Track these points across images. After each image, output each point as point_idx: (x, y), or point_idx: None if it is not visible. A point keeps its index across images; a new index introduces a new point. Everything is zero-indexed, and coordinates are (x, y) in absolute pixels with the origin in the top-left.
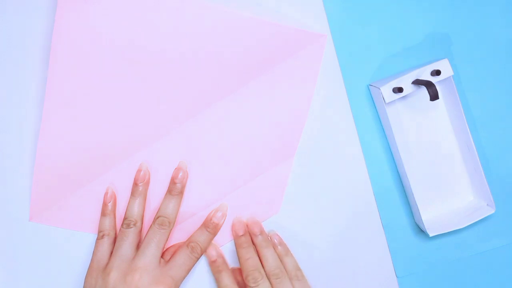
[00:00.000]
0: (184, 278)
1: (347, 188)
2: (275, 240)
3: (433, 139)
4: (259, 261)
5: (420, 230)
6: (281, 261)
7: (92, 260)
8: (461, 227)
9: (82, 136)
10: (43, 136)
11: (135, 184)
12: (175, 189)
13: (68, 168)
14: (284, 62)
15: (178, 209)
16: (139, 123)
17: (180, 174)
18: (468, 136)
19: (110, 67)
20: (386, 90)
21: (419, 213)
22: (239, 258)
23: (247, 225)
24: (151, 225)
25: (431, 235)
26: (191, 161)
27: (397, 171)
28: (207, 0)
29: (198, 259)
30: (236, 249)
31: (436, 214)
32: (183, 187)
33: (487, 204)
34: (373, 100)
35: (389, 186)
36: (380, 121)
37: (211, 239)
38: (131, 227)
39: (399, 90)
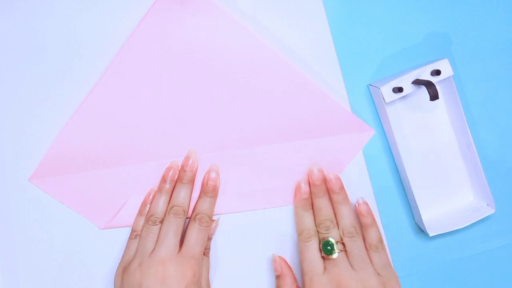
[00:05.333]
0: (202, 251)
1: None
2: (362, 210)
3: (433, 139)
4: (333, 212)
5: (420, 230)
6: (364, 232)
7: (121, 259)
8: (461, 227)
9: (116, 125)
10: (84, 107)
11: (163, 181)
12: (185, 177)
13: (89, 147)
14: (326, 137)
15: (190, 196)
16: (173, 136)
17: (190, 162)
18: (468, 136)
19: (168, 76)
20: (386, 90)
21: (419, 213)
22: (313, 206)
23: (326, 180)
24: (165, 215)
25: (431, 235)
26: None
27: (397, 171)
28: (282, 56)
29: (209, 227)
30: (311, 197)
31: (436, 214)
32: (193, 174)
33: (487, 204)
34: (373, 100)
35: (389, 186)
36: (380, 121)
37: (214, 203)
38: (156, 224)
39: (399, 90)
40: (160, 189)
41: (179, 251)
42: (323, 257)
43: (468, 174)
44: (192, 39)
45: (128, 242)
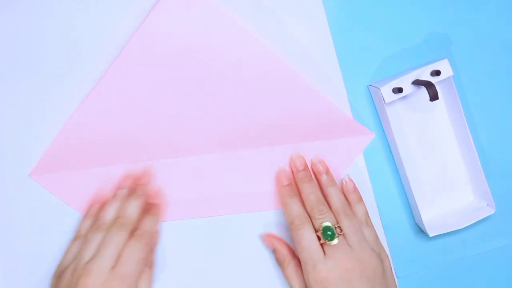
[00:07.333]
0: (139, 271)
1: None
2: (349, 187)
3: (433, 139)
4: (322, 195)
5: (420, 230)
6: (353, 208)
7: (60, 262)
8: (461, 227)
9: (117, 124)
10: (85, 105)
11: (119, 188)
12: (140, 189)
13: (90, 145)
14: (326, 140)
15: (139, 211)
16: (173, 136)
17: (147, 175)
18: (468, 136)
19: (169, 76)
20: (386, 90)
21: (419, 213)
22: (301, 193)
23: (312, 163)
24: (110, 226)
25: (431, 235)
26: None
27: (397, 171)
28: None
29: (147, 245)
30: (297, 185)
31: (436, 214)
32: (145, 189)
33: (487, 204)
34: (373, 100)
35: (389, 187)
36: (380, 121)
37: (156, 221)
38: (101, 232)
39: (399, 90)
40: (114, 196)
41: (114, 266)
42: (321, 243)
43: (468, 174)
44: (193, 39)
45: (69, 244)
